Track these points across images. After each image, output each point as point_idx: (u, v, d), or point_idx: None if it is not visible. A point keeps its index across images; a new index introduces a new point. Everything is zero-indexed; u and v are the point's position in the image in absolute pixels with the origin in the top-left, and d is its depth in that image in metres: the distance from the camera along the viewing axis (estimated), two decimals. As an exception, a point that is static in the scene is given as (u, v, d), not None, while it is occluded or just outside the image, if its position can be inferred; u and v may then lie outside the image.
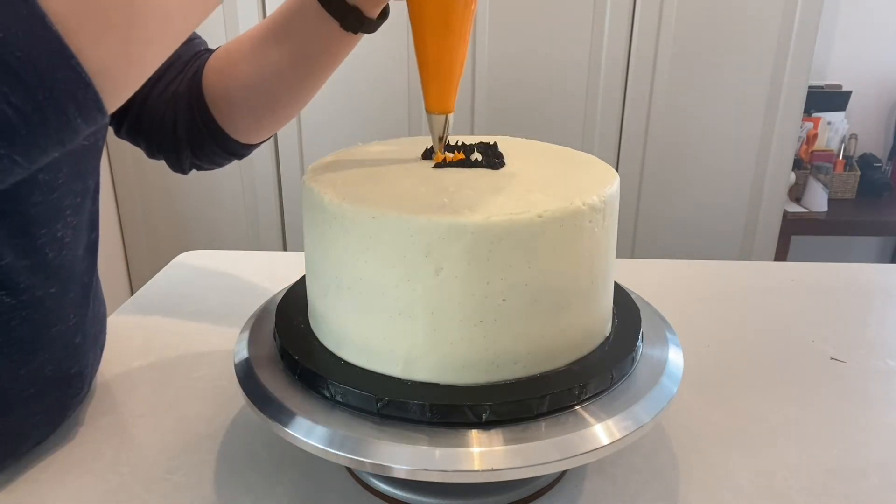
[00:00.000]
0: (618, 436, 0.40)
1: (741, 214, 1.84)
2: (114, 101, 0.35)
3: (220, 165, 0.65)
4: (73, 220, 0.50)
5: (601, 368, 0.44)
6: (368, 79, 1.74)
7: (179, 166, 0.64)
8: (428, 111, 0.49)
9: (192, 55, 0.61)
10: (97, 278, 0.57)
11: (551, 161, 0.51)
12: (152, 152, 0.63)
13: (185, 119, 0.60)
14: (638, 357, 0.47)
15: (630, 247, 1.88)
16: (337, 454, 0.39)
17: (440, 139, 0.49)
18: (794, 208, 2.07)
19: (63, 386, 0.52)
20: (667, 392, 0.44)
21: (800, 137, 2.09)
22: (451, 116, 0.49)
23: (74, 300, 0.51)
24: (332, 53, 0.56)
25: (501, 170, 0.48)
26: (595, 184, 0.45)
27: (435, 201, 0.41)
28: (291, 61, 0.56)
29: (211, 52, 0.62)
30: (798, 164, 2.11)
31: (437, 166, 0.49)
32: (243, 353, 0.49)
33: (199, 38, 0.64)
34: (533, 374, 0.43)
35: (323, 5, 0.52)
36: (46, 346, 0.49)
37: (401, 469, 0.38)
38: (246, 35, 0.58)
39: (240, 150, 0.63)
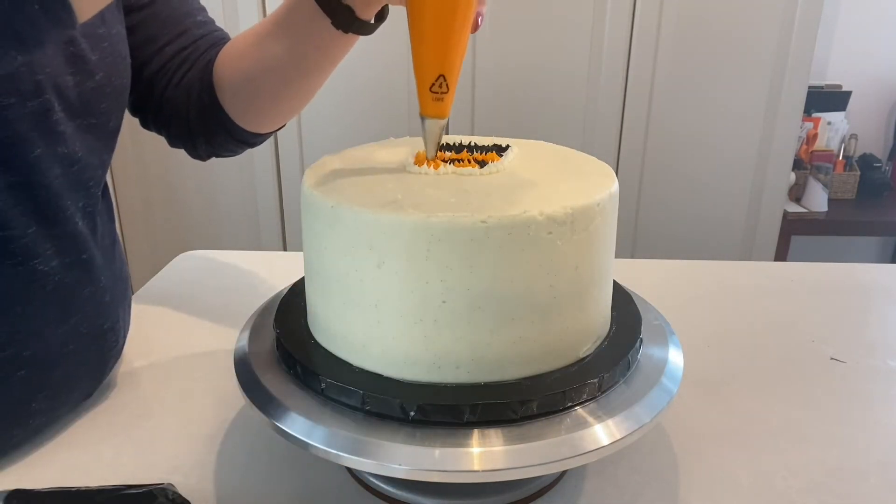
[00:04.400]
0: (618, 436, 0.40)
1: (741, 214, 1.84)
2: (86, 6, 0.36)
3: (236, 153, 0.67)
4: (96, 191, 0.54)
5: (593, 373, 0.43)
6: (368, 79, 1.74)
7: (196, 153, 0.66)
8: (423, 115, 0.47)
9: (209, 45, 0.62)
10: (118, 239, 0.61)
11: (553, 164, 0.51)
12: (173, 141, 0.66)
13: (196, 107, 0.62)
14: (636, 358, 0.47)
15: (630, 247, 1.88)
16: (337, 454, 0.39)
17: (434, 145, 0.48)
18: (794, 208, 2.07)
19: (99, 341, 0.56)
20: (667, 392, 0.44)
21: (800, 137, 2.09)
22: (445, 122, 0.47)
23: (101, 263, 0.55)
24: (326, 52, 0.56)
25: (495, 173, 0.47)
26: (577, 192, 0.43)
27: (390, 197, 0.42)
28: (289, 58, 0.57)
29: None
30: (798, 164, 2.11)
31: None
32: (243, 353, 0.49)
33: (220, 30, 0.65)
34: (478, 380, 0.42)
35: (316, 1, 0.52)
36: (80, 307, 0.53)
37: (401, 469, 0.38)
38: (253, 29, 0.59)
39: (249, 139, 0.64)
